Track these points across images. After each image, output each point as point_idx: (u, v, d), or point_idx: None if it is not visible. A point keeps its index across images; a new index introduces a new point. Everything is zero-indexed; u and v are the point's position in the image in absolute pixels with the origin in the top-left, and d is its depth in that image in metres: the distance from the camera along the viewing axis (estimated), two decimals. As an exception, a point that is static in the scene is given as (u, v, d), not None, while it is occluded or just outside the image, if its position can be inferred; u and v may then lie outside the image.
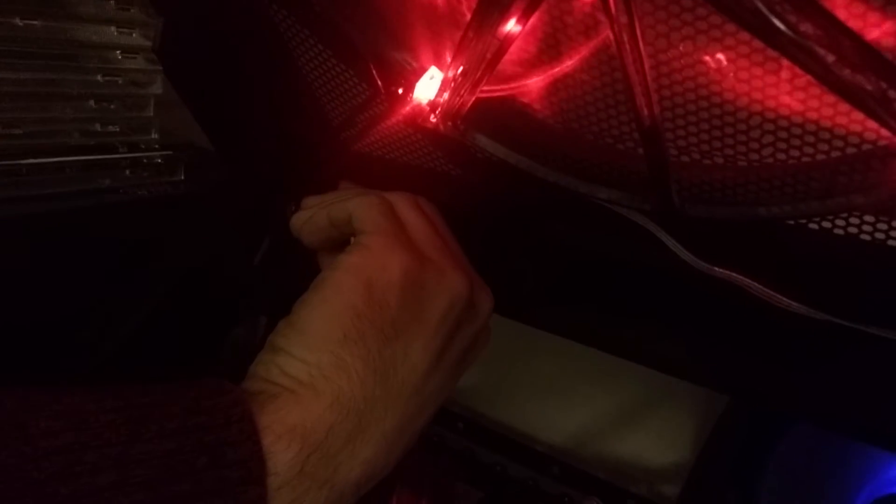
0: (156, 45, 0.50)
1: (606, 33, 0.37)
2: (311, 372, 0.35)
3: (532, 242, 0.54)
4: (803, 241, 0.41)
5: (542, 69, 0.42)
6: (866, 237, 0.39)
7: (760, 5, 0.28)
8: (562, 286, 0.55)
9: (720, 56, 0.34)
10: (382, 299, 0.37)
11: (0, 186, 0.48)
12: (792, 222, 0.41)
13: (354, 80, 0.51)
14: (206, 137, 0.57)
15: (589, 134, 0.44)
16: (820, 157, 0.37)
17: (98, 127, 0.54)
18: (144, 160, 0.56)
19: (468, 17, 0.39)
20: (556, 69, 0.41)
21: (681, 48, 0.35)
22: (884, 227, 0.38)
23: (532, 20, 0.38)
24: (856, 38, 0.28)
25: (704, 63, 0.35)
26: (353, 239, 0.41)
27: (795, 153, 0.37)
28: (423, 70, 0.46)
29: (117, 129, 0.55)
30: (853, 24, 0.29)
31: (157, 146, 0.57)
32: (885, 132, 0.32)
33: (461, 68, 0.42)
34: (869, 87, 0.28)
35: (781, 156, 0.38)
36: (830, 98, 0.33)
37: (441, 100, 0.45)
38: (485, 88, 0.43)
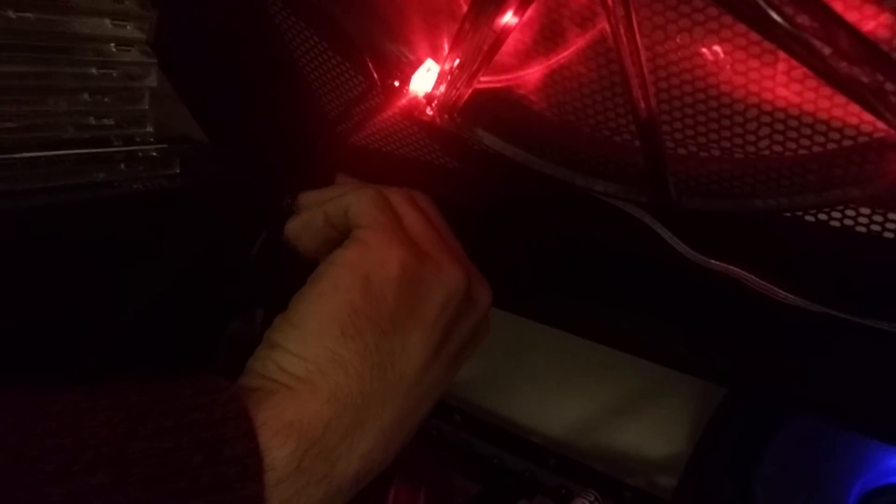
0: (150, 37, 0.50)
1: (603, 25, 0.37)
2: (307, 367, 0.35)
3: (529, 235, 0.54)
4: (799, 234, 0.41)
5: (538, 61, 0.42)
6: (862, 229, 0.39)
7: (757, -3, 0.28)
8: (559, 279, 0.55)
9: (717, 48, 0.34)
10: (379, 294, 0.37)
11: (-6, 180, 0.48)
12: (788, 215, 0.41)
13: (350, 72, 0.51)
14: (201, 130, 0.57)
15: (586, 126, 0.44)
16: (816, 149, 0.36)
17: (92, 120, 0.54)
18: (139, 154, 0.56)
19: (465, 8, 0.39)
20: (553, 61, 0.41)
21: (677, 40, 0.35)
22: (880, 219, 0.38)
23: (529, 12, 0.38)
24: (852, 31, 0.28)
25: (701, 55, 0.35)
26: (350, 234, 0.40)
27: (792, 145, 0.37)
28: (420, 62, 0.46)
29: (112, 123, 0.55)
30: (850, 16, 0.28)
31: (152, 139, 0.57)
32: (881, 124, 0.32)
33: (458, 60, 0.42)
34: (865, 80, 0.28)
35: (778, 148, 0.38)
36: (827, 90, 0.33)
37: (437, 92, 0.45)
38: (482, 80, 0.43)
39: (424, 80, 0.46)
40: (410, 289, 0.37)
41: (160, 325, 0.58)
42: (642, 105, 0.37)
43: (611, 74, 0.39)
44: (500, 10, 0.37)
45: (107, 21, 0.52)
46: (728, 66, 0.35)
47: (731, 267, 0.43)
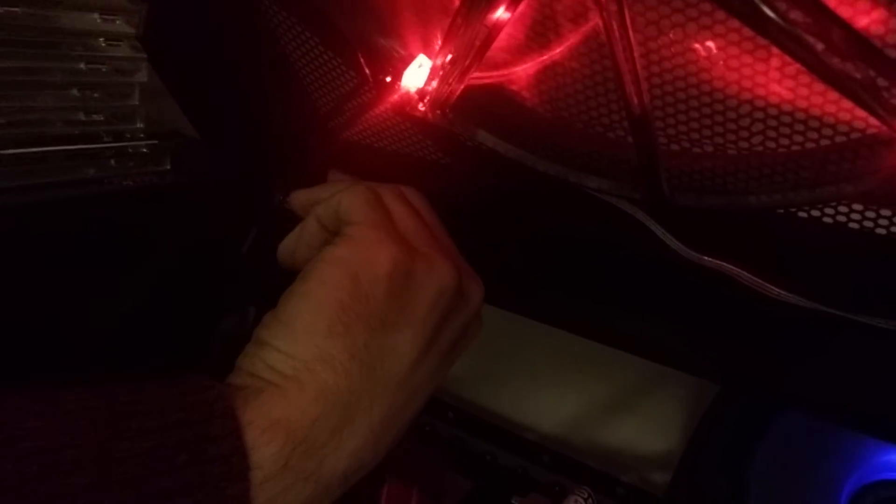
0: (140, 32, 0.50)
1: (596, 21, 0.37)
2: (295, 365, 0.35)
3: (522, 231, 0.54)
4: (792, 230, 0.41)
5: (531, 57, 0.42)
6: (855, 225, 0.39)
7: (750, -7, 0.28)
8: (552, 275, 0.55)
9: (710, 44, 0.34)
10: (369, 292, 0.36)
11: (-19, 177, 0.47)
12: (781, 211, 0.41)
13: (342, 68, 0.51)
14: (192, 126, 0.56)
15: (578, 122, 0.44)
16: (809, 145, 0.36)
17: (82, 116, 0.53)
18: (129, 150, 0.56)
19: (457, 3, 0.39)
20: (546, 57, 0.41)
21: (670, 36, 0.35)
22: (872, 215, 0.38)
23: (521, 7, 0.38)
24: (845, 27, 0.28)
25: (694, 51, 0.35)
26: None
27: (785, 142, 0.37)
28: (412, 58, 0.46)
29: (101, 118, 0.54)
30: (843, 11, 0.28)
31: (142, 135, 0.57)
32: (873, 121, 0.32)
33: (450, 56, 0.42)
34: (858, 76, 0.28)
35: (771, 144, 0.38)
36: (820, 86, 0.33)
37: (429, 88, 0.45)
38: (474, 76, 0.43)
39: (416, 75, 0.45)
40: (400, 286, 0.37)
41: (151, 322, 0.58)
42: (635, 101, 0.37)
43: (604, 70, 0.39)
44: (493, 6, 0.37)
45: (96, 15, 0.52)
46: (721, 62, 0.35)
47: (724, 263, 0.43)
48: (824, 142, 0.36)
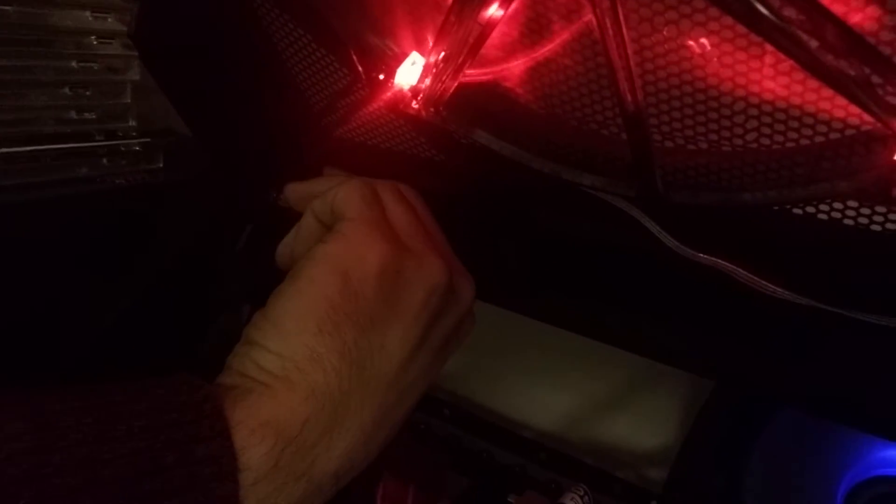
0: (131, 29, 0.49)
1: (589, 17, 0.36)
2: (284, 365, 0.34)
3: (516, 229, 0.54)
4: (787, 227, 0.41)
5: (524, 54, 0.42)
6: (850, 222, 0.39)
7: (743, -11, 0.27)
8: (546, 273, 0.54)
9: (704, 41, 0.34)
10: (358, 290, 0.36)
11: (-28, 177, 0.47)
12: (776, 208, 0.41)
13: (335, 65, 0.50)
14: (184, 124, 0.56)
15: (573, 119, 0.44)
16: (804, 142, 0.36)
17: (73, 114, 0.53)
18: (122, 148, 0.55)
19: (450, 1, 0.39)
20: (539, 54, 0.41)
21: (664, 32, 0.35)
22: (867, 212, 0.38)
23: (514, 4, 0.37)
24: (839, 23, 0.28)
25: (688, 48, 0.35)
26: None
27: (779, 138, 0.37)
28: (405, 55, 0.45)
29: (93, 117, 0.54)
30: (836, 8, 0.28)
31: (134, 133, 0.56)
32: (868, 117, 0.32)
33: (443, 53, 0.41)
34: (852, 73, 0.28)
35: (766, 141, 0.38)
36: (814, 83, 0.33)
37: (423, 85, 0.44)
38: (467, 73, 0.43)
39: (409, 73, 0.45)
40: (390, 284, 0.37)
41: (145, 321, 0.58)
42: (629, 98, 0.37)
43: (597, 67, 0.39)
44: (486, 3, 0.37)
45: (87, 13, 0.51)
46: (715, 59, 0.35)
47: (720, 261, 0.42)
48: (819, 139, 0.36)
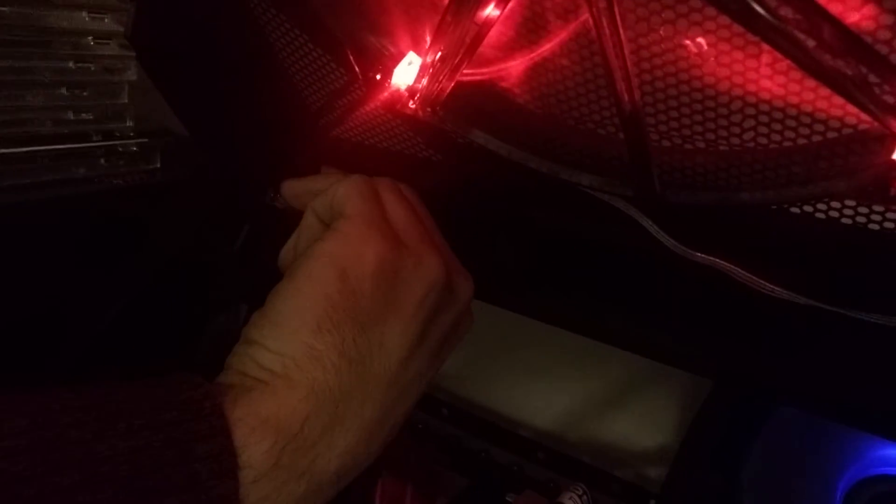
0: (128, 30, 0.49)
1: (586, 17, 0.36)
2: (284, 363, 0.34)
3: (514, 228, 0.54)
4: (785, 226, 0.41)
5: (521, 54, 0.42)
6: (847, 221, 0.39)
7: (739, -11, 0.27)
8: (544, 272, 0.54)
9: (700, 40, 0.34)
10: (357, 288, 0.36)
11: (-30, 178, 0.47)
12: (774, 207, 0.41)
13: (331, 65, 0.50)
14: (182, 124, 0.56)
15: (570, 119, 0.44)
16: (801, 141, 0.36)
17: (71, 115, 0.53)
18: (119, 148, 0.55)
19: (446, 0, 0.39)
20: (536, 54, 0.41)
21: (661, 32, 0.35)
22: (865, 211, 0.38)
23: (511, 4, 0.37)
24: (836, 23, 0.27)
25: (685, 47, 0.35)
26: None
27: (777, 138, 0.37)
28: (402, 55, 0.45)
29: (91, 117, 0.54)
30: (833, 8, 0.28)
31: (132, 134, 0.56)
32: (865, 116, 0.32)
33: (440, 53, 0.41)
34: (849, 72, 0.28)
35: (763, 140, 0.37)
36: (811, 82, 0.33)
37: (420, 85, 0.44)
38: (464, 73, 0.42)
39: (406, 73, 0.45)
40: (388, 282, 0.37)
41: (143, 321, 0.58)
42: (626, 97, 0.37)
43: (594, 67, 0.39)
44: (482, 2, 0.37)
45: (84, 14, 0.51)
46: (712, 58, 0.34)
47: (717, 260, 0.42)
48: (816, 138, 0.36)
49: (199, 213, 0.59)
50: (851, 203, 0.38)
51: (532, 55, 0.41)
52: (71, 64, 0.52)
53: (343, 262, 0.36)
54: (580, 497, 0.55)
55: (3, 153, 0.49)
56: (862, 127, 0.34)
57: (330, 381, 0.35)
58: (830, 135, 0.35)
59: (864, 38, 0.29)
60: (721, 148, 0.39)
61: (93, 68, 0.53)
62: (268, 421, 0.33)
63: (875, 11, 0.28)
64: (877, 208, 0.37)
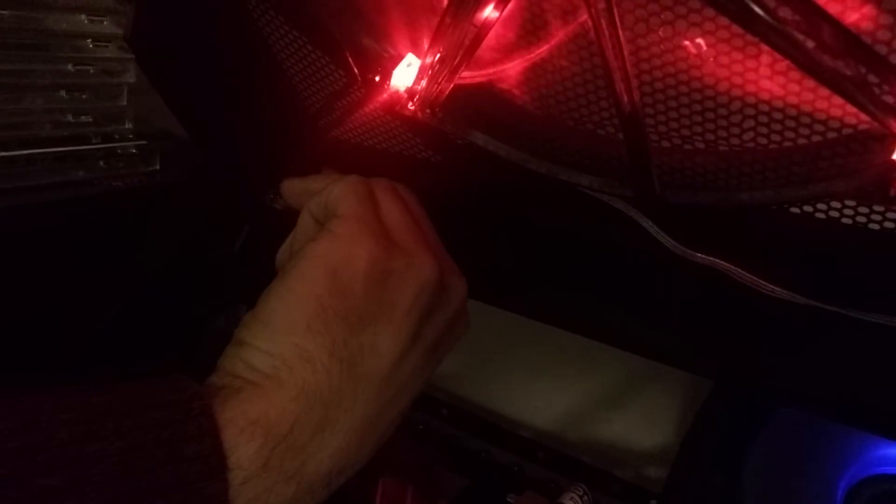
0: (127, 33, 0.49)
1: (585, 18, 0.36)
2: (274, 364, 0.34)
3: (513, 228, 0.54)
4: (785, 226, 0.41)
5: (520, 55, 0.42)
6: (847, 221, 0.39)
7: (738, -10, 0.27)
8: (543, 272, 0.54)
9: (699, 41, 0.34)
10: (348, 288, 0.36)
11: (-31, 181, 0.47)
12: (774, 207, 0.41)
13: (331, 67, 0.50)
14: (181, 125, 0.56)
15: (569, 120, 0.44)
16: (801, 141, 0.36)
17: (70, 118, 0.53)
18: (119, 150, 0.55)
19: (445, 2, 0.39)
20: (535, 55, 0.41)
21: (660, 33, 0.35)
22: (865, 211, 0.38)
23: (510, 5, 0.37)
24: (835, 23, 0.27)
25: (684, 48, 0.35)
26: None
27: (776, 138, 0.37)
28: (401, 57, 0.45)
29: (90, 120, 0.54)
30: (832, 8, 0.28)
31: (131, 136, 0.56)
32: (864, 117, 0.32)
33: (439, 55, 0.41)
34: (848, 73, 0.28)
35: (763, 140, 0.37)
36: (810, 83, 0.33)
37: (419, 87, 0.44)
38: (463, 75, 0.42)
39: (405, 74, 0.45)
40: (379, 282, 0.37)
41: (142, 322, 0.58)
42: (625, 98, 0.37)
43: (593, 68, 0.39)
44: (481, 4, 0.37)
45: (83, 17, 0.51)
46: (711, 59, 0.34)
47: (717, 260, 0.42)
48: (816, 138, 0.35)
49: (198, 214, 0.59)
50: (851, 203, 0.38)
51: (531, 56, 0.41)
52: (70, 67, 0.52)
53: (334, 262, 0.36)
54: (581, 497, 0.55)
55: (3, 156, 0.49)
56: (862, 127, 0.34)
57: (320, 382, 0.34)
58: (830, 135, 0.35)
59: (864, 38, 0.29)
60: (721, 148, 0.39)
61: (92, 71, 0.53)
62: (257, 422, 0.32)
63: (874, 12, 0.28)
64: (877, 208, 0.37)
